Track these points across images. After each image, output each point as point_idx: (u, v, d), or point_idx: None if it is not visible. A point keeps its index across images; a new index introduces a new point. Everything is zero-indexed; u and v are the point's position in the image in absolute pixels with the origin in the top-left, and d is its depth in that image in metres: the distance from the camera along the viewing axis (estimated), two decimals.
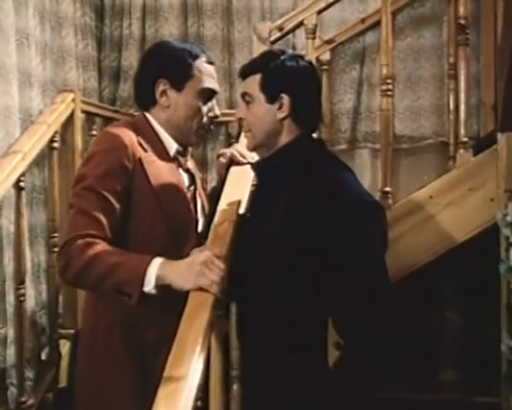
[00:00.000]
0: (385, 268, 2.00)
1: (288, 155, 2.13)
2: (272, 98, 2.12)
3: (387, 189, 3.47)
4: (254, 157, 2.38)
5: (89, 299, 2.37)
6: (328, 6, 3.81)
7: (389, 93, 3.49)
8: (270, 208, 2.09)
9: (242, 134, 2.35)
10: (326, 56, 4.56)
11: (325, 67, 4.54)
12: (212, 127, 2.43)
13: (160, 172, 2.25)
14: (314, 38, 3.76)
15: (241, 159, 2.43)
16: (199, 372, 1.66)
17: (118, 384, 2.20)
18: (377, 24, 4.11)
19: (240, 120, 2.22)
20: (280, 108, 2.12)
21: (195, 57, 2.34)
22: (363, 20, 4.60)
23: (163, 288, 1.96)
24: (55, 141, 3.77)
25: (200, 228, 2.39)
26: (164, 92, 2.32)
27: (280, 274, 2.02)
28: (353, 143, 4.75)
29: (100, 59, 4.99)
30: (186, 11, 4.94)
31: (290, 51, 2.27)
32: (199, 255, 1.93)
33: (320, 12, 3.79)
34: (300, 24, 3.78)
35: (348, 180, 2.05)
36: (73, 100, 3.93)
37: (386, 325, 1.94)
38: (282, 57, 2.15)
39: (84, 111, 4.12)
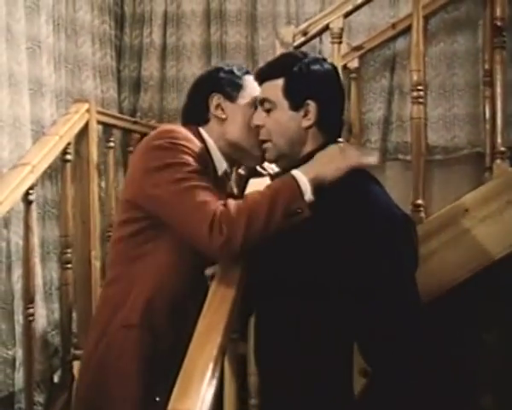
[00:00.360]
0: (416, 288, 1.89)
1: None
2: (297, 105, 2.03)
3: (419, 202, 3.29)
4: (274, 168, 2.31)
5: (105, 297, 2.30)
6: (356, 8, 3.61)
7: (420, 100, 3.29)
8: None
9: None
10: (354, 64, 4.47)
11: (353, 75, 4.46)
12: None
13: (213, 185, 2.20)
14: (340, 43, 3.51)
15: (261, 170, 2.38)
16: (208, 405, 1.57)
17: (123, 392, 2.15)
18: (408, 29, 3.92)
19: (257, 128, 2.12)
20: (305, 115, 2.02)
21: (244, 72, 2.40)
22: (393, 26, 4.49)
23: (318, 186, 1.98)
24: (68, 153, 3.67)
25: None
26: (218, 106, 2.34)
27: (302, 295, 1.93)
28: (384, 154, 4.66)
29: (119, 69, 4.91)
30: (209, 18, 4.88)
31: (312, 54, 2.16)
32: (328, 150, 1.99)
33: (347, 15, 3.59)
34: (326, 28, 3.58)
35: (375, 192, 1.95)
36: (88, 110, 3.81)
37: (418, 350, 1.84)
38: (306, 60, 2.06)
39: (100, 122, 4.00)
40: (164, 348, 2.18)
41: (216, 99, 2.34)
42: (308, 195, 1.96)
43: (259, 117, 2.11)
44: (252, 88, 2.34)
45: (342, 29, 3.53)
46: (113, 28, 4.79)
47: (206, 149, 2.29)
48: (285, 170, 2.06)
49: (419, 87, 3.27)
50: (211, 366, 1.65)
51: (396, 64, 4.62)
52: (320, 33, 3.73)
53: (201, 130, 2.34)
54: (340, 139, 2.11)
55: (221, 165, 2.34)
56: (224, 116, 2.34)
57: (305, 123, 2.03)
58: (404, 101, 4.51)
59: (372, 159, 1.97)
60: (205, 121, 2.36)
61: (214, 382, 1.64)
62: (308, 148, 2.05)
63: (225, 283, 1.92)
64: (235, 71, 2.38)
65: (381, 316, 1.84)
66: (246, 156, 2.34)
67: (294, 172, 1.95)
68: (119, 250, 2.26)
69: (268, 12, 4.84)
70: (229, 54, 4.77)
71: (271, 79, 2.07)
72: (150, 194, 2.11)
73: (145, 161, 2.16)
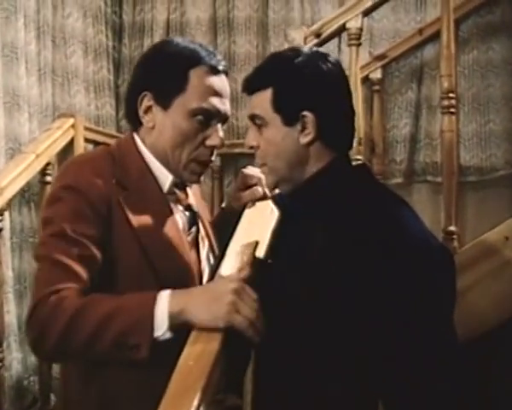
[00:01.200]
0: (454, 332, 1.71)
1: (322, 185, 1.84)
2: (291, 118, 1.81)
3: (452, 228, 3.09)
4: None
5: (69, 370, 2.00)
6: (376, 6, 3.39)
7: (452, 110, 3.09)
8: (303, 252, 1.80)
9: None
10: (377, 75, 4.29)
11: (376, 87, 4.29)
12: (212, 159, 2.01)
13: (146, 214, 1.93)
14: (359, 46, 3.30)
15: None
16: None
17: None
18: (437, 35, 3.69)
19: (251, 148, 1.90)
20: (303, 129, 1.81)
21: (194, 64, 1.94)
22: (420, 31, 4.29)
23: (180, 327, 1.65)
24: (48, 174, 3.43)
25: (205, 280, 2.04)
26: (149, 109, 1.96)
27: (313, 339, 1.73)
28: (411, 176, 4.46)
29: (117, 83, 4.67)
30: (215, 27, 4.71)
31: (307, 50, 1.91)
32: (225, 281, 1.65)
33: (366, 13, 3.37)
34: (343, 28, 3.34)
35: (407, 218, 1.75)
36: (73, 126, 3.59)
37: (456, 406, 1.66)
38: (298, 60, 1.82)
39: (88, 140, 3.75)
40: None
41: (146, 101, 1.96)
42: (162, 330, 1.65)
43: (252, 136, 1.89)
44: (195, 93, 1.94)
45: (361, 29, 3.32)
46: (110, 39, 4.54)
47: (144, 162, 1.99)
48: (290, 193, 1.90)
49: (450, 95, 3.08)
50: None
51: (424, 74, 4.40)
52: (336, 34, 3.48)
53: (137, 138, 2.01)
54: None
55: (166, 177, 1.99)
56: (151, 124, 1.98)
57: (304, 139, 1.82)
58: (434, 115, 4.34)
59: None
60: (140, 123, 2.02)
61: None
62: (313, 168, 1.84)
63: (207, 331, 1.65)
64: (179, 64, 1.94)
65: (414, 366, 1.64)
66: (175, 174, 2.01)
67: (161, 296, 1.67)
68: None
69: (281, 18, 4.64)
70: (238, 65, 4.59)
71: (258, 89, 1.85)
72: None
73: None
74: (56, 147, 3.42)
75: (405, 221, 1.75)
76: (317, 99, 1.81)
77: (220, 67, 1.97)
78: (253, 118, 1.87)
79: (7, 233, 3.20)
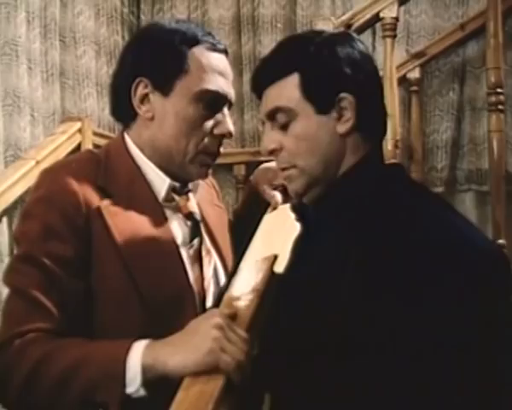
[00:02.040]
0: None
1: (357, 184, 1.65)
2: (326, 104, 1.61)
3: (502, 241, 3.02)
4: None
5: None
6: None
7: (500, 107, 3.03)
8: (333, 265, 1.60)
9: None
10: (415, 74, 4.10)
11: (414, 87, 4.10)
12: (221, 150, 1.85)
13: (133, 226, 1.76)
14: (394, 37, 3.18)
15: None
16: None
17: None
18: (481, 30, 3.68)
19: (272, 153, 1.69)
20: (340, 116, 1.61)
21: (193, 42, 1.78)
22: (462, 26, 4.11)
23: (156, 382, 1.52)
24: None
25: (209, 303, 1.84)
26: (145, 97, 1.78)
27: (345, 360, 1.51)
28: (453, 184, 4.30)
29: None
30: (240, 26, 4.56)
31: (327, 31, 1.73)
32: (207, 318, 1.51)
33: (402, 2, 3.24)
34: (376, 19, 3.21)
35: (462, 226, 1.57)
36: (80, 130, 3.42)
37: None
38: (321, 39, 1.64)
39: (97, 146, 3.51)
40: None
41: (141, 88, 1.78)
42: (134, 387, 1.51)
43: (272, 138, 1.68)
44: (200, 74, 1.77)
45: (397, 19, 3.20)
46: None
47: (135, 166, 1.83)
48: (318, 198, 1.68)
49: (498, 90, 3.04)
50: None
51: (466, 73, 4.24)
52: (368, 25, 3.34)
53: (127, 138, 1.83)
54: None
55: (162, 182, 1.83)
56: (149, 115, 1.80)
57: (343, 127, 1.62)
58: (478, 118, 4.19)
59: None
60: (133, 118, 1.84)
61: None
62: (347, 162, 1.65)
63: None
64: (177, 43, 1.77)
65: (473, 399, 1.43)
66: (180, 171, 1.84)
67: (136, 346, 1.55)
68: None
69: (309, 16, 4.44)
70: (263, 29, 4.47)
71: (278, 78, 1.64)
72: None
73: None
74: (60, 153, 3.25)
75: (460, 230, 1.59)
76: (354, 78, 1.63)
77: (220, 46, 1.82)
78: (273, 114, 1.66)
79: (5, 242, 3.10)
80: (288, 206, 1.84)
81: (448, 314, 1.49)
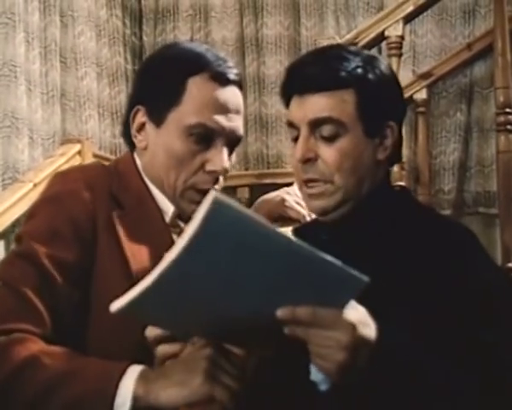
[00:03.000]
0: None
1: (378, 207, 1.67)
2: (375, 129, 1.64)
3: (511, 265, 3.05)
4: (304, 212, 2.02)
5: None
6: (418, 12, 3.32)
7: (509, 127, 3.05)
8: None
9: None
10: (422, 95, 4.02)
11: (421, 108, 4.02)
12: (215, 187, 1.75)
13: (142, 243, 1.70)
14: (400, 56, 3.21)
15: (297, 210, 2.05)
16: None
17: None
18: (489, 49, 3.70)
19: (306, 162, 1.64)
20: (382, 142, 1.65)
21: (194, 70, 1.70)
22: (469, 46, 4.07)
23: None
24: None
25: None
26: (142, 126, 1.74)
27: None
28: (460, 207, 4.25)
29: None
30: (243, 47, 4.53)
31: (365, 51, 1.80)
32: (197, 348, 1.47)
33: (407, 20, 3.27)
34: (381, 37, 3.25)
35: (475, 247, 1.61)
36: (80, 152, 3.40)
37: None
38: (369, 58, 1.66)
39: None
40: None
41: (139, 116, 1.74)
42: None
43: (310, 146, 1.64)
44: (193, 106, 1.70)
45: (402, 37, 3.25)
46: (129, 62, 4.33)
47: (144, 185, 1.78)
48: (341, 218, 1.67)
49: (507, 110, 3.05)
50: None
51: (474, 94, 4.20)
52: (373, 44, 3.33)
53: (136, 158, 1.80)
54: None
55: (168, 209, 1.77)
56: (143, 144, 1.75)
57: (382, 154, 1.65)
58: (486, 140, 4.15)
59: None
60: (134, 146, 1.82)
61: None
62: (370, 186, 1.67)
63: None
64: (176, 70, 1.70)
65: None
66: (173, 203, 1.77)
67: (132, 370, 1.49)
68: None
69: (313, 36, 4.37)
70: (268, 88, 4.42)
71: (333, 88, 1.62)
72: None
73: None
74: None
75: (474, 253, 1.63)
76: (399, 106, 1.68)
77: (230, 76, 1.71)
78: (321, 123, 1.62)
79: None
80: (289, 230, 1.80)
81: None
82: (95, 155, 3.48)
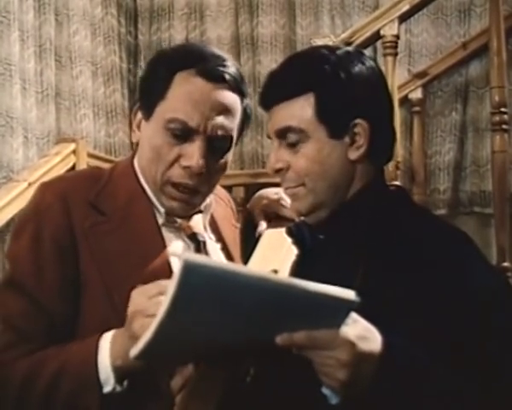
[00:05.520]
0: None
1: (364, 210, 1.64)
2: (340, 129, 1.60)
3: (506, 264, 3.05)
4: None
5: None
6: (414, 11, 3.27)
7: (504, 127, 3.04)
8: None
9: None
10: (417, 94, 4.08)
11: (416, 108, 4.07)
12: (190, 183, 1.73)
13: (122, 247, 1.70)
14: (396, 55, 3.16)
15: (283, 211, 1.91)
16: None
17: None
18: (484, 48, 3.75)
19: (278, 172, 1.65)
20: (353, 142, 1.60)
21: (182, 65, 1.69)
22: (464, 45, 4.09)
23: (131, 373, 1.52)
24: None
25: None
26: (140, 123, 1.77)
27: None
28: (456, 206, 4.26)
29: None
30: (239, 46, 4.55)
31: (342, 48, 1.72)
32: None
33: (403, 19, 3.22)
34: (376, 37, 3.20)
35: (472, 253, 1.60)
36: (75, 152, 3.41)
37: None
38: (338, 57, 1.60)
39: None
40: None
41: (138, 114, 1.78)
42: (110, 385, 1.53)
43: (280, 157, 1.64)
44: (176, 101, 1.69)
45: (397, 37, 3.20)
46: (124, 61, 4.35)
47: (139, 186, 1.79)
48: (323, 221, 1.66)
49: (502, 109, 3.05)
50: None
51: (469, 93, 4.21)
52: (369, 44, 3.30)
53: (135, 160, 1.81)
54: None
55: (160, 208, 1.77)
56: (136, 139, 1.80)
57: (355, 154, 1.61)
58: (481, 139, 4.15)
59: None
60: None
61: None
62: (353, 189, 1.64)
63: None
64: (165, 66, 1.71)
65: None
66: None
67: (104, 339, 1.54)
68: None
69: (309, 35, 4.37)
70: (262, 48, 4.45)
71: (291, 96, 1.60)
72: None
73: None
74: (54, 175, 3.17)
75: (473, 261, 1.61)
76: (369, 103, 1.61)
77: (221, 74, 1.69)
78: (284, 133, 1.61)
79: None
80: (283, 230, 1.79)
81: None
82: (89, 155, 3.49)
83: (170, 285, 1.16)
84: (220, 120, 1.68)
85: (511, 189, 3.58)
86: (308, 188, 1.63)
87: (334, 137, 1.60)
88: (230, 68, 1.69)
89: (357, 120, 1.59)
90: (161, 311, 1.19)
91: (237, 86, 1.69)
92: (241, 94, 1.71)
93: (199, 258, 1.14)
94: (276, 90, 1.62)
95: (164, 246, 1.73)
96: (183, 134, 1.68)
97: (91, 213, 1.69)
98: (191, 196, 1.73)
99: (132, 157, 1.80)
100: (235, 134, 1.71)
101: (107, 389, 1.53)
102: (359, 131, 1.61)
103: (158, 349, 1.28)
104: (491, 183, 3.54)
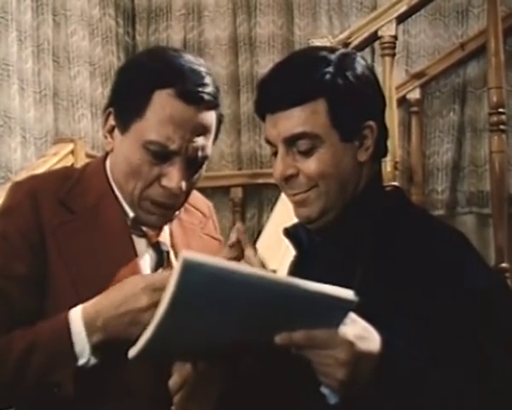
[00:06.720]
0: None
1: (365, 210, 1.63)
2: (352, 133, 1.60)
3: (504, 265, 3.03)
4: None
5: None
6: (412, 11, 3.25)
7: (502, 127, 3.03)
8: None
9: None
10: (415, 95, 4.07)
11: (414, 108, 4.06)
12: (170, 202, 1.74)
13: (89, 245, 1.72)
14: (393, 56, 3.15)
15: None
16: None
17: None
18: (482, 49, 3.72)
19: (288, 179, 1.61)
20: (362, 144, 1.61)
21: (162, 83, 1.65)
22: (462, 46, 4.09)
23: (106, 345, 1.56)
24: None
25: None
26: (113, 129, 1.74)
27: None
28: (454, 207, 4.25)
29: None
30: (236, 46, 4.54)
31: (339, 48, 1.73)
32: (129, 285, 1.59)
33: (401, 20, 3.21)
34: (374, 37, 3.19)
35: (471, 255, 1.59)
36: (73, 152, 3.36)
37: None
38: (339, 60, 1.59)
39: None
40: None
41: (110, 119, 1.74)
42: (85, 357, 1.55)
43: (289, 163, 1.60)
44: (153, 123, 1.66)
45: (395, 37, 3.18)
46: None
47: (109, 186, 1.78)
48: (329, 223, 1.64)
49: (500, 110, 3.04)
50: None
51: (467, 94, 4.19)
52: (366, 44, 3.30)
53: (108, 160, 1.80)
54: None
55: (129, 212, 1.78)
56: (110, 147, 1.76)
57: (364, 155, 1.61)
58: (479, 140, 4.15)
59: None
60: None
61: None
62: (357, 190, 1.64)
63: None
64: (144, 81, 1.66)
65: None
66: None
67: (76, 311, 1.58)
68: None
69: (307, 35, 4.34)
70: (260, 49, 4.45)
71: (302, 102, 1.57)
72: None
73: None
74: None
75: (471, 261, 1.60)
76: (375, 104, 1.63)
77: (200, 95, 1.66)
78: (295, 139, 1.57)
79: None
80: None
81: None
82: (87, 155, 3.44)
83: (169, 284, 1.16)
84: (200, 141, 1.67)
85: (509, 189, 3.62)
86: (321, 190, 1.61)
87: (345, 141, 1.60)
88: (209, 87, 1.66)
89: (369, 123, 1.60)
90: (160, 309, 1.18)
91: (215, 103, 1.68)
92: (217, 106, 1.71)
93: (198, 256, 1.14)
94: (283, 96, 1.59)
95: (132, 246, 1.75)
96: (162, 156, 1.67)
97: (61, 211, 1.70)
98: (168, 210, 1.74)
99: (104, 158, 1.80)
100: (210, 149, 1.72)
101: (81, 361, 1.54)
102: (368, 133, 1.61)
103: (157, 349, 1.27)
104: (489, 183, 3.52)
